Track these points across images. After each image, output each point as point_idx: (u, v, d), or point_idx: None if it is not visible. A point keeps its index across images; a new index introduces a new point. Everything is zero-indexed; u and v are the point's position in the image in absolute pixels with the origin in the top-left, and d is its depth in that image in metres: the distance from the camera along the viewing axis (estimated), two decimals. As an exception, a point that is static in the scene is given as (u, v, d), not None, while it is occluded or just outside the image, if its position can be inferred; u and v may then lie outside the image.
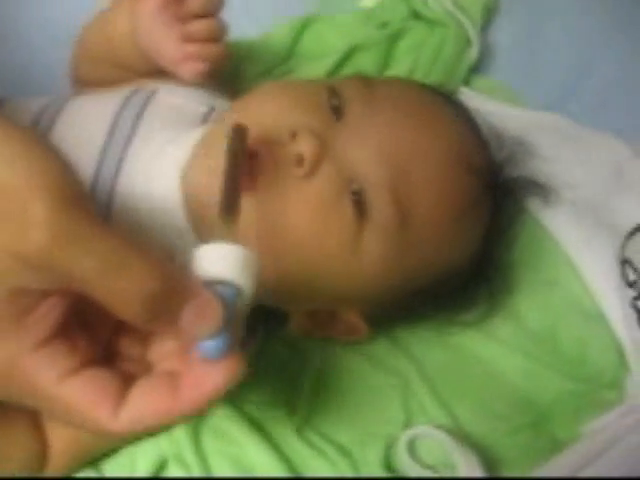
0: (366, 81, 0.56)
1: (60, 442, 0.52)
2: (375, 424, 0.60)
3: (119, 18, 0.64)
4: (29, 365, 0.37)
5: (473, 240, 0.59)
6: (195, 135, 0.56)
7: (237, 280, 0.38)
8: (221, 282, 0.38)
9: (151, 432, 0.41)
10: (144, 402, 0.38)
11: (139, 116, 0.60)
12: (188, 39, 0.60)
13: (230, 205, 0.42)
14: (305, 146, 0.49)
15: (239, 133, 0.48)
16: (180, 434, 0.58)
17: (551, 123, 0.74)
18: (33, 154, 0.34)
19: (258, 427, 0.59)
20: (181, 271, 0.37)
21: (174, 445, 0.57)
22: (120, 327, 0.42)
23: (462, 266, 0.60)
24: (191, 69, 0.60)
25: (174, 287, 0.36)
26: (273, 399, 0.61)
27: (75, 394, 0.37)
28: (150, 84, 0.65)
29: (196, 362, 0.38)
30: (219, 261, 0.38)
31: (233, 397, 0.60)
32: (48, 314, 0.37)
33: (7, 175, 0.33)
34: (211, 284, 0.38)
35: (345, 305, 0.58)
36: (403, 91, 0.58)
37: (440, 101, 0.59)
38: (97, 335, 0.41)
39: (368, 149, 0.52)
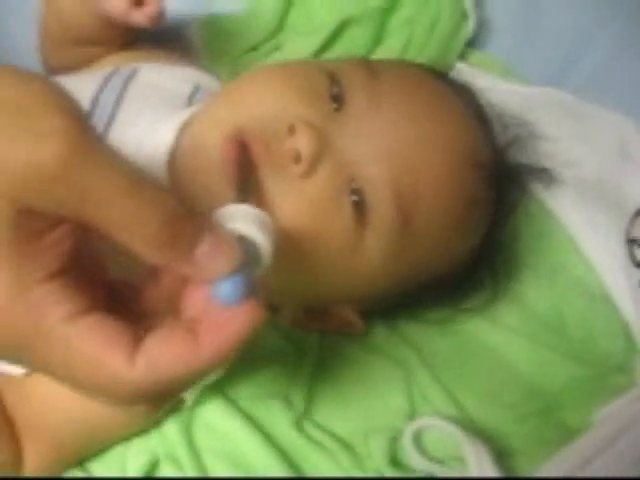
0: (369, 67, 0.53)
1: (35, 458, 0.50)
2: (378, 416, 0.59)
3: None
4: (36, 297, 0.33)
5: (477, 234, 0.58)
6: (181, 117, 0.53)
7: (257, 238, 0.38)
8: (241, 237, 0.37)
9: (170, 390, 0.36)
10: (162, 348, 0.35)
11: (119, 97, 0.58)
12: None
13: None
14: (303, 143, 0.47)
15: (237, 145, 0.46)
16: (172, 431, 0.56)
17: (552, 98, 0.73)
18: (49, 83, 0.33)
19: (253, 422, 0.57)
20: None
21: (166, 443, 0.55)
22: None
23: (466, 259, 0.58)
24: (142, 14, 0.59)
25: (190, 216, 0.34)
26: (268, 391, 0.59)
27: (86, 334, 0.34)
28: (131, 63, 0.63)
29: (215, 309, 0.36)
30: (240, 219, 0.37)
31: (226, 391, 0.59)
32: (59, 243, 0.34)
33: (24, 90, 0.32)
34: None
35: (343, 303, 0.57)
36: (408, 81, 0.55)
37: (446, 91, 0.57)
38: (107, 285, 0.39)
39: (370, 146, 0.49)
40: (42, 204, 0.32)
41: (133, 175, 0.33)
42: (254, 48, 0.73)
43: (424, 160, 0.51)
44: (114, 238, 0.33)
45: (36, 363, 0.35)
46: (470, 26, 0.75)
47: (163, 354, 0.34)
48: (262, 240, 0.38)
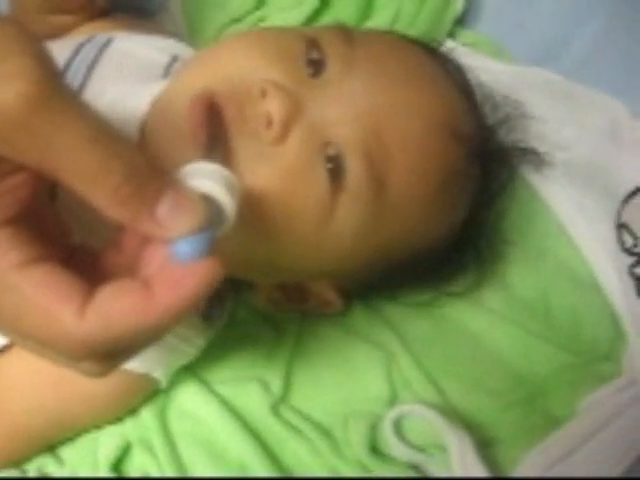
0: (348, 35, 0.51)
1: None
2: (357, 401, 0.58)
3: None
4: None
5: (457, 211, 0.56)
6: (155, 88, 0.51)
7: (221, 196, 0.37)
8: (204, 195, 0.36)
9: (121, 346, 0.35)
10: (114, 301, 0.34)
11: (92, 65, 0.56)
12: None
13: None
14: (275, 106, 0.45)
15: (206, 106, 0.45)
16: (146, 416, 0.56)
17: (541, 79, 0.71)
18: (22, 28, 0.32)
19: (229, 406, 0.56)
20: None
21: (139, 428, 0.55)
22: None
23: (446, 237, 0.56)
24: None
25: (154, 171, 0.34)
26: (245, 375, 0.58)
27: (37, 283, 0.33)
28: (108, 32, 0.61)
29: (171, 265, 0.35)
30: (204, 176, 0.37)
31: (201, 374, 0.58)
32: (15, 190, 0.33)
33: None
34: None
35: (318, 278, 0.55)
36: (387, 49, 0.53)
37: (429, 61, 0.55)
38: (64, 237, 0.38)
39: (343, 109, 0.47)
40: (2, 148, 0.31)
41: (100, 126, 0.32)
42: (237, 20, 0.71)
43: (398, 124, 0.49)
44: (75, 190, 0.32)
45: None
46: (459, 3, 0.73)
47: (114, 306, 0.33)
48: (226, 199, 0.37)
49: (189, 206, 0.34)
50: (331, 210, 0.47)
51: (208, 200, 0.36)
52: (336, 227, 0.48)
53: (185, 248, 0.34)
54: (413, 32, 0.68)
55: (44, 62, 0.31)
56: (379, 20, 0.71)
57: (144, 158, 0.34)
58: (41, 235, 0.35)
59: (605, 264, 0.62)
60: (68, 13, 0.63)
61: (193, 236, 0.34)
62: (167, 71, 0.58)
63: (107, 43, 0.58)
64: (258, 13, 0.71)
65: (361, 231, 0.49)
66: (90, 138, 0.31)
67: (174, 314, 0.34)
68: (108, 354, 0.35)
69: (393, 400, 0.57)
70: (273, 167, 0.46)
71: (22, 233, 0.34)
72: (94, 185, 0.32)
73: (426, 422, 0.54)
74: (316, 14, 0.71)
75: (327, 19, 0.71)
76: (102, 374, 0.37)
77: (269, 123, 0.45)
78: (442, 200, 0.53)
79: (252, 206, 0.45)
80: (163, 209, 0.34)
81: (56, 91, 0.31)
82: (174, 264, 0.34)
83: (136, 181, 0.33)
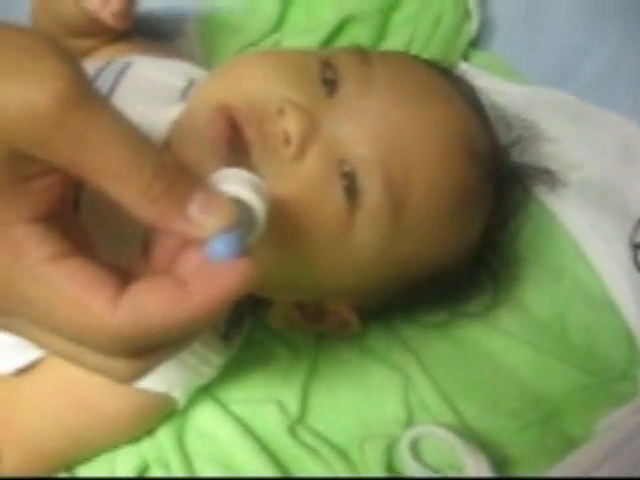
0: (363, 56, 0.52)
1: (14, 459, 0.50)
2: (374, 422, 0.57)
3: None
4: (19, 235, 0.32)
5: (473, 229, 0.56)
6: (173, 112, 0.52)
7: (251, 200, 0.37)
8: (235, 199, 0.36)
9: (155, 342, 0.34)
10: (148, 294, 0.33)
11: (111, 89, 0.57)
12: None
13: None
14: (293, 124, 0.46)
15: (226, 121, 0.46)
16: (163, 435, 0.56)
17: (554, 100, 0.71)
18: (54, 40, 0.32)
19: (246, 426, 0.56)
20: None
21: (156, 448, 0.55)
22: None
23: (462, 256, 0.56)
24: (109, 11, 0.59)
25: (185, 170, 0.34)
26: (262, 396, 0.58)
27: (70, 274, 0.33)
28: (125, 56, 0.62)
29: (206, 263, 0.34)
30: (233, 181, 0.37)
31: (218, 394, 0.58)
32: (47, 190, 0.33)
33: (28, 36, 0.32)
34: None
35: (335, 296, 0.55)
36: (403, 68, 0.54)
37: (443, 81, 0.56)
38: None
39: (360, 128, 0.48)
40: (35, 148, 0.31)
41: (130, 126, 0.32)
42: (253, 44, 0.72)
43: (415, 143, 0.49)
44: (105, 189, 0.32)
45: (13, 305, 0.33)
46: (473, 25, 0.73)
47: (149, 299, 0.33)
48: (257, 203, 0.37)
49: (220, 205, 0.34)
50: (349, 226, 0.48)
51: (239, 203, 0.36)
52: (354, 244, 0.49)
53: (219, 247, 0.34)
54: (427, 55, 0.68)
55: (76, 66, 0.31)
56: (394, 43, 0.72)
57: (173, 158, 0.34)
58: (70, 233, 0.35)
59: (620, 284, 0.62)
60: (89, 37, 0.64)
61: (226, 235, 0.34)
62: (184, 95, 0.59)
63: (125, 67, 0.59)
64: (274, 37, 0.72)
65: (379, 248, 0.49)
66: (121, 136, 0.32)
67: (209, 309, 0.33)
68: (140, 350, 0.35)
69: (410, 422, 0.57)
70: (291, 183, 0.46)
71: (54, 230, 0.34)
72: (125, 183, 0.32)
73: (443, 443, 0.54)
74: (331, 38, 0.72)
75: (342, 43, 0.71)
76: (132, 377, 0.36)
77: (287, 141, 0.46)
78: (458, 218, 0.53)
79: (272, 222, 0.45)
80: (194, 207, 0.33)
81: (88, 92, 0.31)
82: (207, 263, 0.34)
83: (167, 178, 0.33)
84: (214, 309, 0.33)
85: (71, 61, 0.31)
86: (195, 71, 0.63)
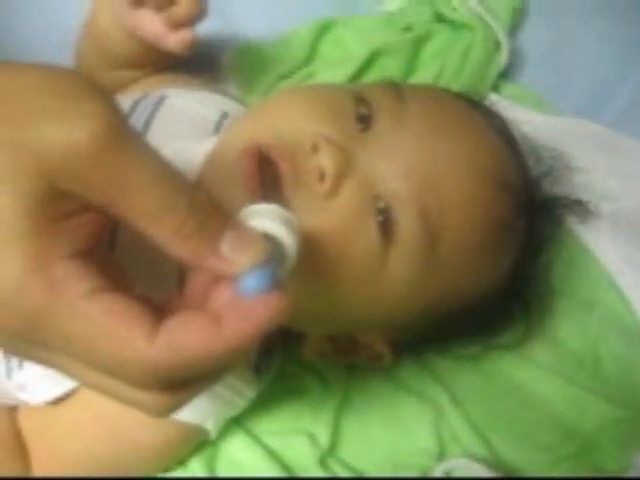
0: (397, 90, 0.52)
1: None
2: (405, 455, 0.57)
3: (99, 13, 0.63)
4: (57, 273, 0.33)
5: (507, 262, 0.56)
6: (207, 145, 0.53)
7: (282, 235, 0.38)
8: (265, 234, 0.37)
9: (191, 375, 0.35)
10: (184, 328, 0.34)
11: (148, 122, 0.58)
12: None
13: None
14: (327, 160, 0.46)
15: (258, 158, 0.46)
16: (195, 466, 0.56)
17: (585, 131, 0.71)
18: (87, 78, 0.34)
19: (277, 458, 0.56)
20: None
21: (189, 478, 0.55)
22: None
23: (494, 289, 0.56)
24: (177, 39, 0.59)
25: (217, 207, 0.35)
26: (293, 428, 0.58)
27: (107, 309, 0.33)
28: (160, 88, 0.62)
29: (239, 298, 0.35)
30: (264, 216, 0.37)
31: (249, 426, 0.58)
32: (84, 226, 0.34)
33: (64, 75, 0.33)
34: None
35: (369, 330, 0.55)
36: (435, 102, 0.54)
37: (474, 113, 0.56)
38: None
39: (395, 164, 0.48)
40: (75, 185, 0.32)
41: (165, 165, 0.33)
42: (285, 77, 0.72)
43: (449, 177, 0.49)
44: (140, 228, 0.33)
45: (52, 340, 0.34)
46: (503, 57, 0.73)
47: (184, 333, 0.33)
48: (287, 238, 0.37)
49: (251, 240, 0.35)
50: (383, 262, 0.48)
51: (269, 238, 0.37)
52: (388, 279, 0.49)
53: (251, 283, 0.34)
54: (457, 86, 0.68)
55: (113, 106, 0.33)
56: (424, 75, 0.72)
57: (206, 196, 0.34)
58: (106, 269, 0.35)
59: (654, 315, 0.62)
60: (133, 68, 0.65)
61: (257, 271, 0.35)
62: (218, 127, 0.59)
63: (161, 100, 0.60)
64: (306, 69, 0.73)
65: (413, 282, 0.49)
66: (157, 176, 0.33)
67: (242, 342, 0.34)
68: (174, 383, 0.35)
69: (441, 454, 0.57)
70: (326, 219, 0.46)
71: (91, 266, 0.34)
72: (159, 222, 0.33)
73: (475, 476, 0.54)
74: (362, 71, 0.72)
75: (373, 74, 0.72)
76: (166, 410, 0.37)
77: (322, 177, 0.46)
78: (491, 251, 0.53)
79: (306, 257, 0.45)
80: (226, 244, 0.34)
81: (126, 131, 0.32)
82: (240, 298, 0.35)
83: (199, 217, 0.33)
84: (247, 342, 0.34)
85: (108, 101, 0.33)
86: (228, 104, 0.64)
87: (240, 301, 0.35)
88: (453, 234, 0.49)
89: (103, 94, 0.33)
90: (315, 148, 0.46)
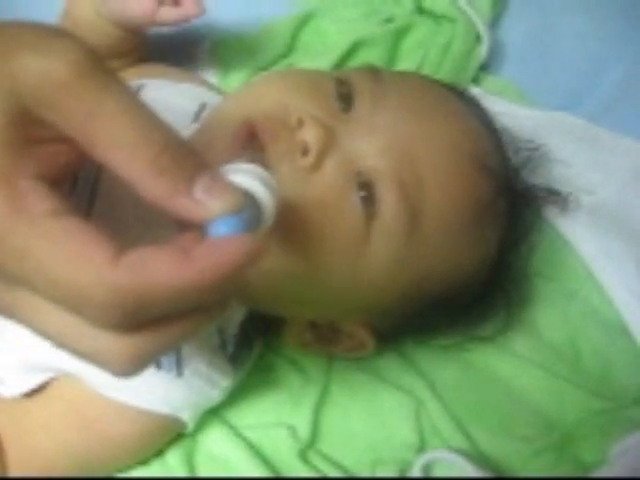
0: (376, 73, 0.53)
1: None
2: (385, 447, 0.57)
3: (76, 2, 0.64)
4: (22, 188, 0.32)
5: (486, 246, 0.56)
6: (186, 134, 0.52)
7: (260, 193, 0.37)
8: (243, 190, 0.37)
9: (153, 308, 0.32)
10: (149, 255, 0.32)
11: None
12: None
13: None
14: (311, 135, 0.46)
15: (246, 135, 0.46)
16: (173, 460, 0.55)
17: (565, 123, 0.72)
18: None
19: (256, 451, 0.56)
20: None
21: (167, 472, 0.54)
22: None
23: (476, 275, 0.56)
24: (171, 12, 0.60)
25: (193, 150, 0.34)
26: (272, 420, 0.58)
27: (71, 229, 0.32)
28: (138, 78, 0.62)
29: (209, 238, 0.34)
30: (243, 173, 0.37)
31: (228, 418, 0.58)
32: (52, 156, 0.34)
33: (49, 26, 0.34)
34: None
35: (352, 315, 0.55)
36: (415, 85, 0.55)
37: (455, 98, 0.56)
38: None
39: (376, 142, 0.49)
40: (47, 111, 0.32)
41: (140, 102, 0.33)
42: (265, 68, 0.72)
43: (429, 155, 0.50)
44: (111, 162, 0.32)
45: (10, 258, 0.32)
46: (484, 50, 0.74)
47: (149, 260, 0.32)
48: (264, 195, 0.37)
49: (226, 187, 0.34)
50: (365, 237, 0.48)
51: (246, 195, 0.36)
52: (370, 254, 0.49)
53: (222, 228, 0.34)
54: (438, 78, 0.68)
55: (92, 47, 0.33)
56: (404, 67, 0.73)
57: (183, 140, 0.34)
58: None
59: (633, 308, 0.62)
60: (112, 59, 0.65)
61: (230, 217, 0.34)
62: (197, 118, 0.59)
63: (138, 90, 0.59)
64: (287, 60, 0.73)
65: (394, 259, 0.49)
66: (131, 109, 0.32)
67: (212, 278, 0.32)
68: (139, 321, 0.33)
69: (422, 447, 0.56)
70: (308, 193, 0.47)
71: (60, 190, 0.34)
72: (132, 155, 0.32)
73: (455, 468, 0.54)
74: (343, 61, 0.72)
75: (354, 65, 0.71)
76: (131, 364, 0.34)
77: (305, 151, 0.46)
78: (472, 231, 0.53)
79: (287, 231, 0.45)
80: (200, 187, 0.33)
81: (102, 65, 0.32)
82: (211, 238, 0.34)
83: (174, 153, 0.33)
84: (217, 280, 0.32)
85: (87, 43, 0.33)
86: (207, 95, 0.64)
87: (209, 240, 0.34)
88: (434, 212, 0.50)
89: (82, 39, 0.33)
90: (300, 123, 0.47)
